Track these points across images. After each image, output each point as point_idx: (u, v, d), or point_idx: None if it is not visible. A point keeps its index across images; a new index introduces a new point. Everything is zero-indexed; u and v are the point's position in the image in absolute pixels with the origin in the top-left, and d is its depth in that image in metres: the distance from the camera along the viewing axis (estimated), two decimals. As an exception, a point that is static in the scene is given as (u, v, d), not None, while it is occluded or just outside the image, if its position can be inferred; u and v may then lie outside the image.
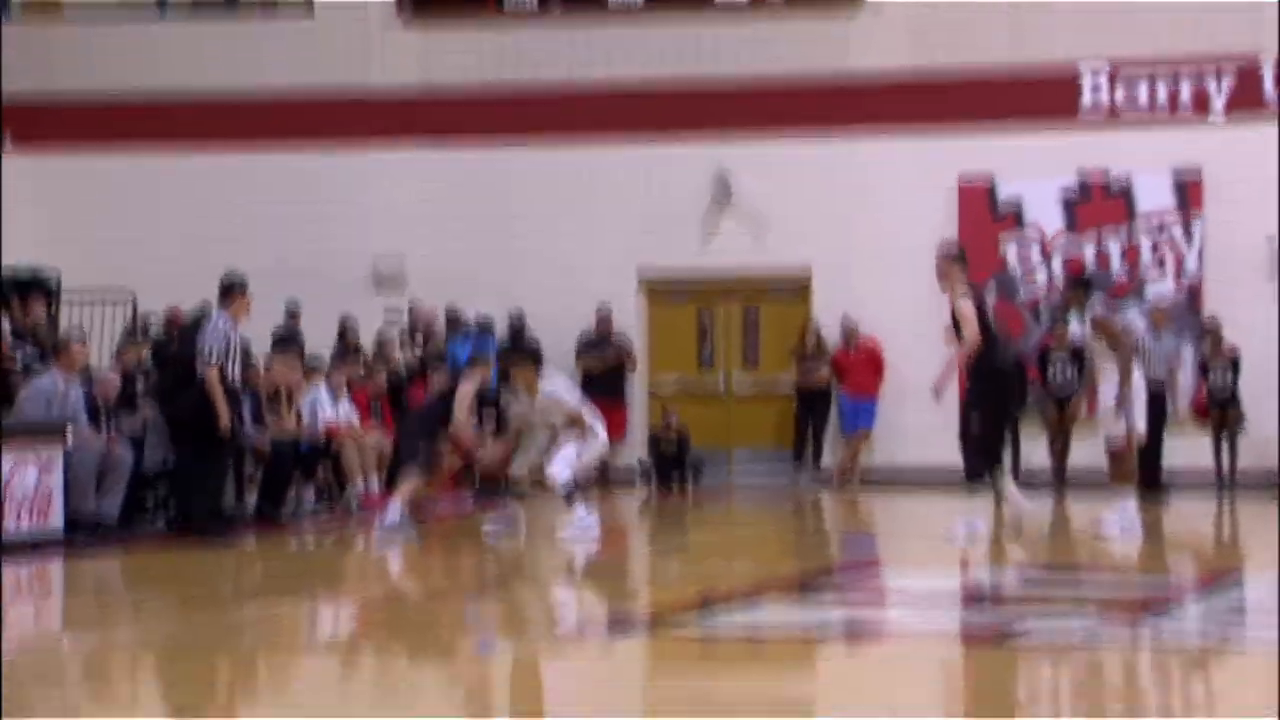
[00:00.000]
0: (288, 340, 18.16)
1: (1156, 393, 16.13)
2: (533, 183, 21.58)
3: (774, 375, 21.56)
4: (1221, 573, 12.35)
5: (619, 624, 9.73)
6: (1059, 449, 19.66)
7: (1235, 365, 19.73)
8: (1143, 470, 15.52)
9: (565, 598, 11.49)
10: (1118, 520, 13.83)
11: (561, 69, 21.60)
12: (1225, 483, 19.63)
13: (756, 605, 10.18)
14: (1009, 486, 13.75)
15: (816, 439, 21.07)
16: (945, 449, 19.79)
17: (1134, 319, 15.59)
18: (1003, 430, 14.00)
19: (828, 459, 20.88)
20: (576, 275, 21.37)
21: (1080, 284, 15.25)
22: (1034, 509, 14.16)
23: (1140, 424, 14.04)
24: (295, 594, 11.36)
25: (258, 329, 16.36)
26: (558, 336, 21.39)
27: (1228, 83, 20.55)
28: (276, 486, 15.76)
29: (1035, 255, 21.06)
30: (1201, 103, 20.66)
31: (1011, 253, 21.10)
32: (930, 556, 13.31)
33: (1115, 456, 14.05)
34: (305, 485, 16.48)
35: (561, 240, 21.48)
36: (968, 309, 13.29)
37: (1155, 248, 20.77)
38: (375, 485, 16.74)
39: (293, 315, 20.06)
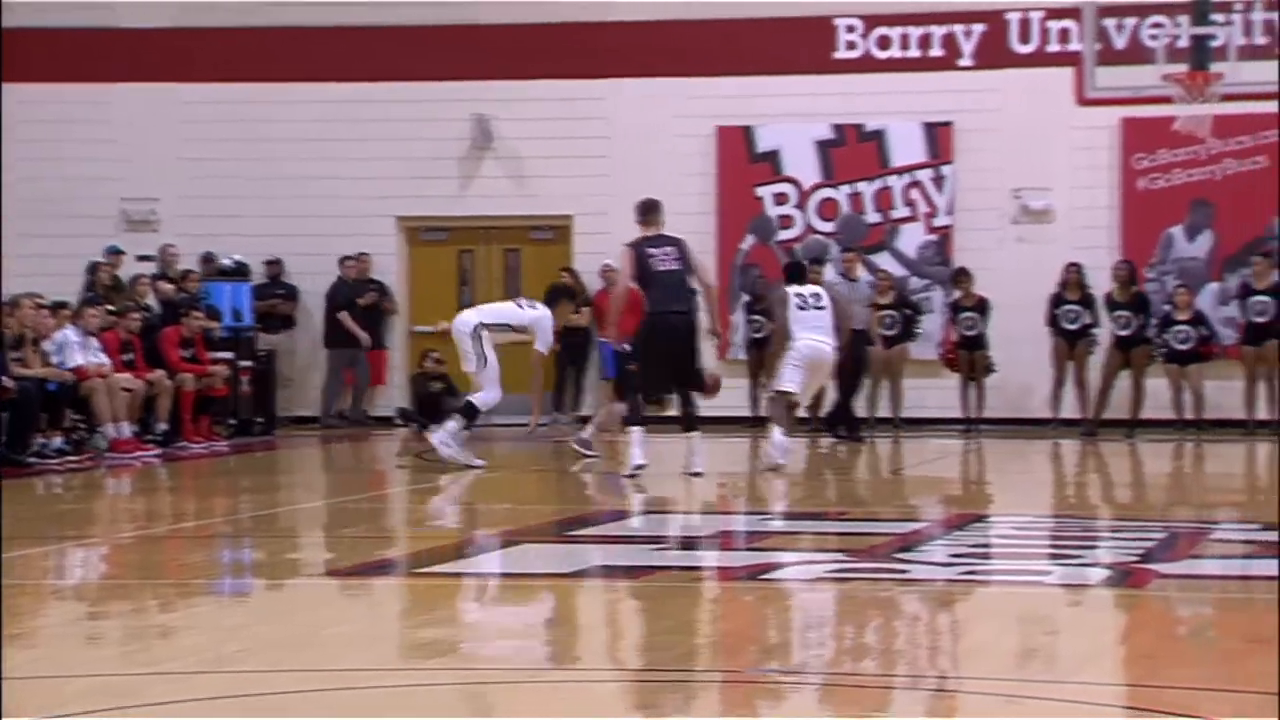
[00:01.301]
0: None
1: (852, 340, 17.01)
2: (290, 124, 21.31)
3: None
4: (966, 513, 12.68)
5: (371, 566, 9.72)
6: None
7: (983, 310, 20.17)
8: (838, 415, 18.15)
9: (316, 540, 11.43)
10: (775, 451, 14.73)
11: (317, 10, 21.33)
12: (973, 426, 20.09)
13: (513, 547, 10.23)
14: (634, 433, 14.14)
15: (577, 383, 21.17)
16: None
17: (831, 279, 17.53)
18: (652, 375, 14.36)
19: (590, 404, 20.97)
20: (335, 218, 21.18)
21: (793, 269, 16.29)
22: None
23: (794, 380, 15.24)
24: (39, 539, 11.15)
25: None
26: (315, 280, 21.21)
27: (976, 36, 20.99)
28: (21, 429, 15.42)
29: (792, 201, 21.33)
30: (952, 54, 21.06)
31: (769, 199, 21.34)
32: (683, 496, 13.48)
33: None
34: (52, 428, 16.14)
35: (320, 183, 21.25)
36: (625, 260, 14.26)
37: (907, 196, 21.15)
38: (125, 430, 16.48)
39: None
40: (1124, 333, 19.47)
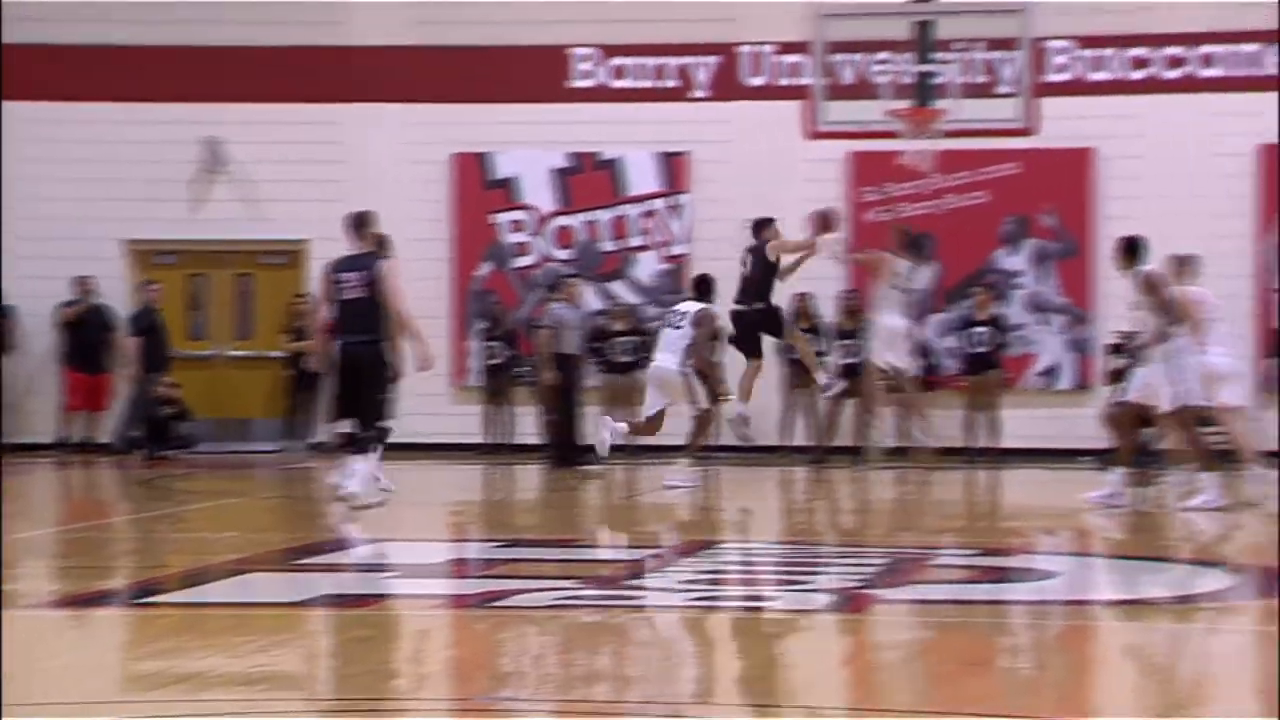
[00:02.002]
0: None
1: (565, 366, 17.74)
2: (20, 144, 20.83)
3: (268, 344, 21.35)
4: (698, 540, 12.83)
5: (97, 596, 9.53)
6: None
7: (717, 339, 20.39)
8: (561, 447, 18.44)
9: (36, 571, 11.17)
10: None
11: (47, 27, 20.88)
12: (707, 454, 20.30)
13: (242, 576, 10.11)
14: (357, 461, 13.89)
15: (310, 410, 20.96)
16: (448, 420, 20.17)
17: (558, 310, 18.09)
18: (332, 405, 14.47)
19: (322, 430, 20.78)
20: (60, 241, 20.74)
21: (555, 282, 16.74)
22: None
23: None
24: None
25: None
26: (38, 304, 20.74)
27: (709, 68, 21.29)
28: None
29: (529, 229, 21.40)
30: (686, 86, 21.34)
31: (505, 226, 21.39)
32: (422, 525, 13.43)
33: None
34: None
35: (45, 204, 20.80)
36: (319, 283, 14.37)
37: (643, 224, 21.35)
38: None
39: None
40: (850, 361, 19.87)
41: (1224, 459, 15.69)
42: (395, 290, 13.74)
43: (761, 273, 16.59)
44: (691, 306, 16.57)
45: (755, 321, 16.54)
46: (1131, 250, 14.47)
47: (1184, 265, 14.89)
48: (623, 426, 15.59)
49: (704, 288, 16.98)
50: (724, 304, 19.96)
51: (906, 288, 18.29)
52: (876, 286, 18.44)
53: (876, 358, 18.51)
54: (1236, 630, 8.86)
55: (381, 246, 14.19)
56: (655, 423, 16.44)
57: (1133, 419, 14.51)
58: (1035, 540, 13.10)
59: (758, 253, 16.68)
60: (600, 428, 15.79)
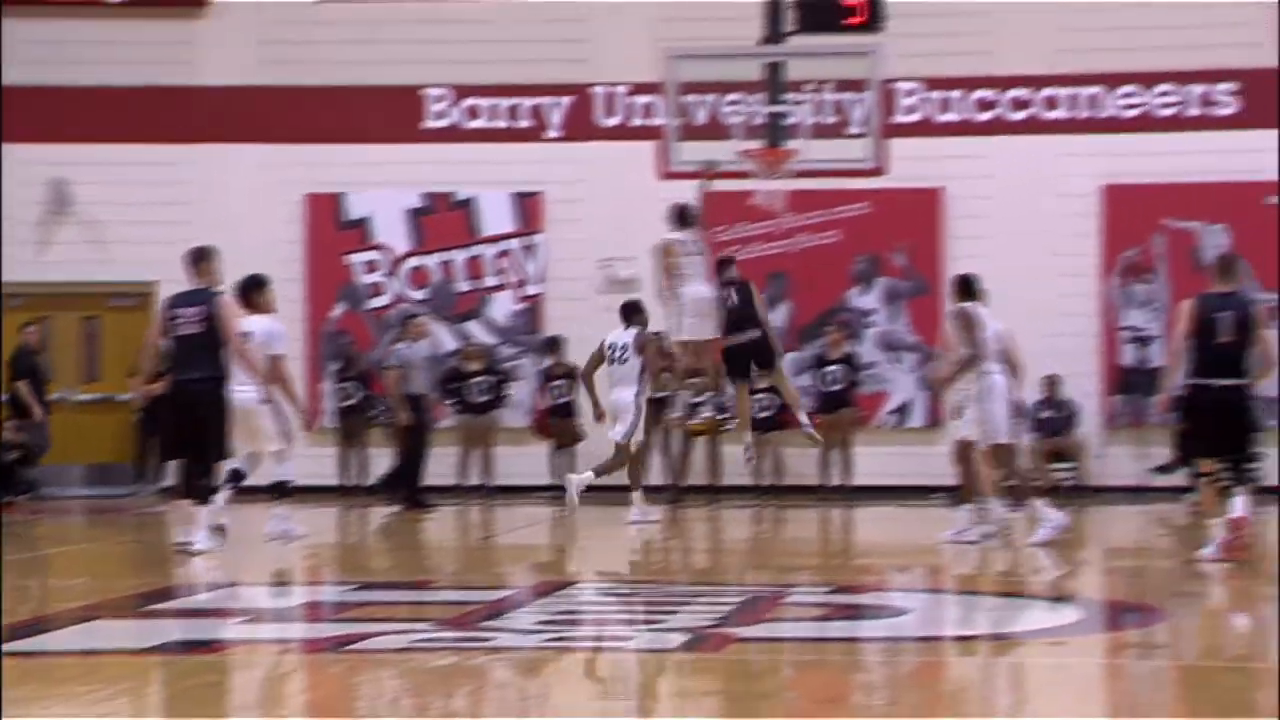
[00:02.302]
0: None
1: (413, 407, 17.89)
2: None
3: (117, 387, 21.07)
4: (554, 580, 12.80)
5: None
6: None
7: (574, 379, 20.42)
8: (406, 488, 18.40)
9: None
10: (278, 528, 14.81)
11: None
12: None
13: (89, 623, 9.94)
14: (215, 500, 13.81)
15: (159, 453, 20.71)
16: (302, 463, 19.86)
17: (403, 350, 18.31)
18: (164, 444, 14.63)
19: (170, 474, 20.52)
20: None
21: (402, 322, 16.91)
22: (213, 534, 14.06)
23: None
24: None
25: None
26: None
27: (563, 108, 21.35)
28: None
29: (383, 269, 21.30)
30: (540, 126, 21.37)
31: (359, 266, 21.27)
32: (274, 568, 13.30)
33: None
34: None
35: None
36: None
37: (498, 265, 21.33)
38: None
39: None
40: (698, 400, 19.95)
41: (1059, 493, 15.93)
42: (231, 325, 13.54)
43: (746, 302, 16.47)
44: (625, 335, 16.57)
45: (747, 351, 16.43)
46: (966, 288, 14.65)
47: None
48: (587, 476, 15.71)
49: (632, 312, 16.96)
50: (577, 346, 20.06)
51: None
52: None
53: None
54: (1088, 662, 8.96)
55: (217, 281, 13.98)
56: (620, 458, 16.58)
57: (1008, 453, 14.65)
58: (889, 577, 13.19)
59: (739, 284, 16.54)
60: (566, 485, 15.83)
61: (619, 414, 16.46)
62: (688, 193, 20.68)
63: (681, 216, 16.73)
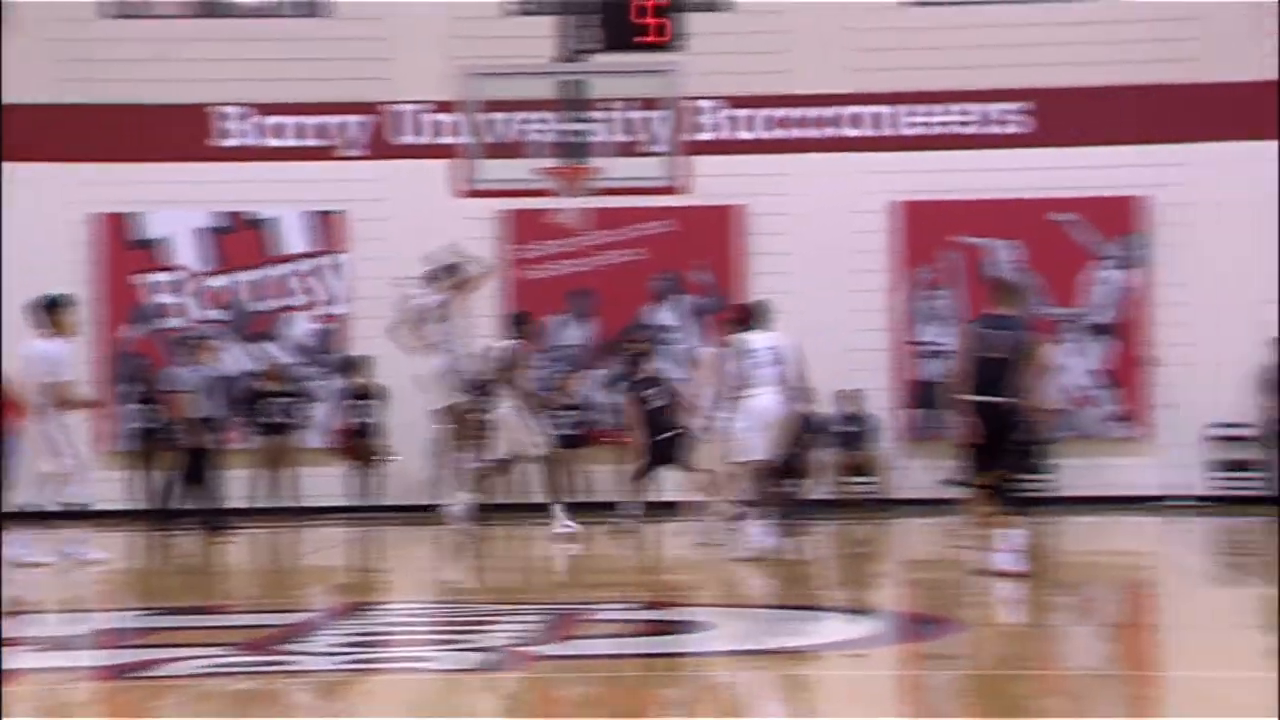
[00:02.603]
0: None
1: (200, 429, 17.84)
2: None
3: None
4: (355, 601, 12.68)
5: None
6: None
7: (374, 398, 20.28)
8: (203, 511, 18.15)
9: None
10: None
11: None
12: (366, 514, 20.13)
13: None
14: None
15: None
16: (96, 486, 19.56)
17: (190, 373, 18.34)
18: None
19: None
20: None
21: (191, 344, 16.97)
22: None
23: None
24: None
25: None
26: None
27: (362, 127, 21.20)
28: None
29: (178, 289, 20.99)
30: (339, 144, 21.20)
31: (151, 286, 20.94)
32: (66, 595, 13.02)
33: None
34: None
35: None
36: None
37: (298, 284, 21.11)
38: None
39: None
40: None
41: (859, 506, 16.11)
42: None
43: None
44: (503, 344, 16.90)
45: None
46: (744, 316, 14.99)
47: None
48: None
49: (518, 323, 17.01)
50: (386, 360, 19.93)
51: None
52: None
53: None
54: (885, 673, 9.07)
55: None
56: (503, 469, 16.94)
57: (764, 471, 14.80)
58: (691, 593, 13.23)
59: None
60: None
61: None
62: (488, 210, 20.75)
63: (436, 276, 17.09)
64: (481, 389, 20.00)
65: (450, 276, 17.14)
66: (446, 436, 20.08)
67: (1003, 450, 12.96)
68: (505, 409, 17.06)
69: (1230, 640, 10.13)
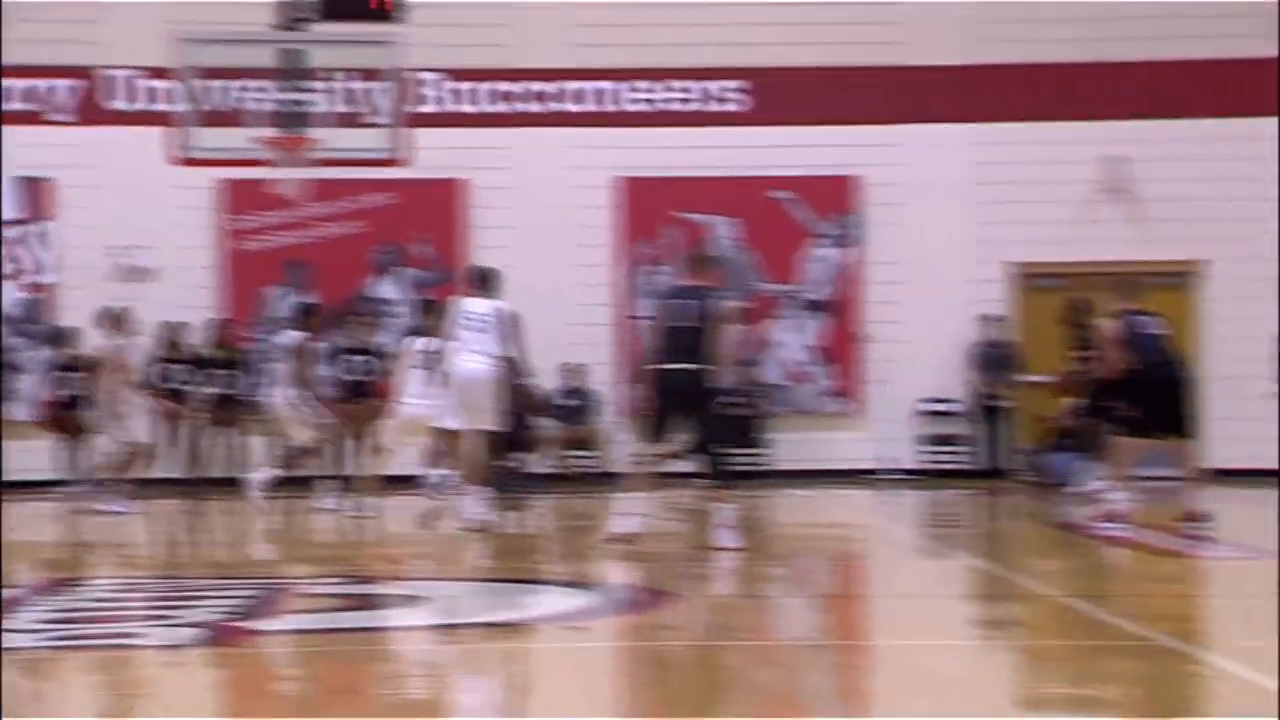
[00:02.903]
0: None
1: None
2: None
3: None
4: (61, 577, 12.40)
5: None
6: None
7: (83, 370, 19.79)
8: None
9: None
10: None
11: None
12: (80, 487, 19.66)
13: None
14: None
15: None
16: None
17: None
18: None
19: None
20: None
21: None
22: None
23: None
24: None
25: None
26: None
27: (74, 91, 20.69)
28: None
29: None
30: (50, 109, 20.66)
31: None
32: None
33: None
34: None
35: None
36: None
37: (4, 252, 20.53)
38: None
39: None
40: (224, 391, 19.63)
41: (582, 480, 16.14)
42: None
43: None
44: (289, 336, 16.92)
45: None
46: (483, 279, 14.92)
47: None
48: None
49: (305, 314, 17.24)
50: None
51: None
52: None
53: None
54: (602, 645, 9.14)
55: None
56: (310, 454, 16.85)
57: (480, 442, 14.79)
58: (407, 567, 13.18)
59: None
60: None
61: None
62: (204, 179, 20.39)
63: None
64: (198, 367, 19.68)
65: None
66: (165, 410, 19.76)
67: (694, 421, 13.00)
68: (282, 397, 16.80)
69: (934, 610, 10.41)
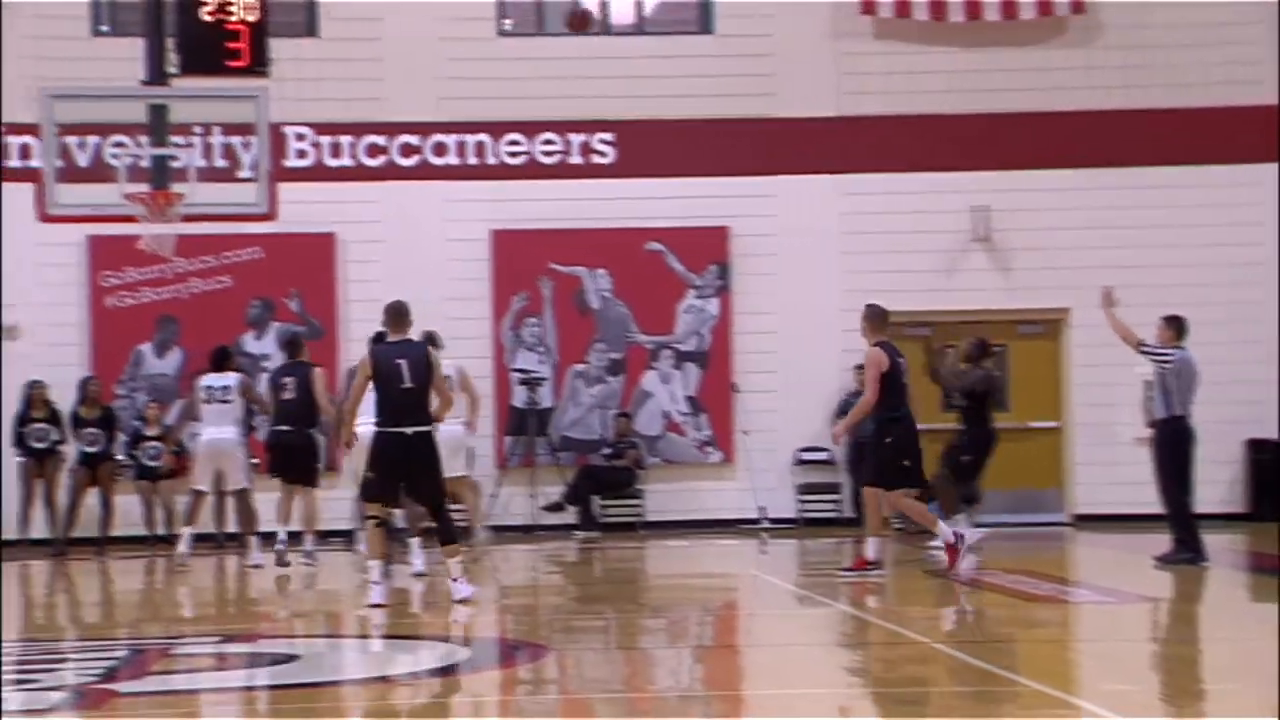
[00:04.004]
0: None
1: None
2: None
3: None
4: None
5: None
6: None
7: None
8: None
9: None
10: None
11: None
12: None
13: None
14: None
15: None
16: None
17: None
18: None
19: None
20: None
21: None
22: None
23: None
24: None
25: None
26: None
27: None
28: None
29: None
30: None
31: None
32: None
33: None
34: None
35: None
36: None
37: None
38: None
39: None
40: (91, 449, 19.40)
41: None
42: None
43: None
44: (226, 379, 16.93)
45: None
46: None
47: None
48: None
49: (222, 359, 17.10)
50: None
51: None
52: None
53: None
54: (475, 699, 9.09)
55: None
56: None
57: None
58: (283, 625, 13.06)
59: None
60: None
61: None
62: (73, 236, 20.15)
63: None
64: (71, 426, 19.41)
65: None
66: (28, 469, 19.47)
67: (418, 480, 12.82)
68: (211, 439, 16.78)
69: (808, 658, 10.44)
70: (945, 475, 16.99)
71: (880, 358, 14.59)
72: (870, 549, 14.59)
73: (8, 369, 19.92)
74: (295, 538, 16.47)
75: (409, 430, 12.70)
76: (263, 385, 18.29)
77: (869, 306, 15.05)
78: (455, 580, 12.86)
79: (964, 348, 17.57)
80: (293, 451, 16.60)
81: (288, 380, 16.73)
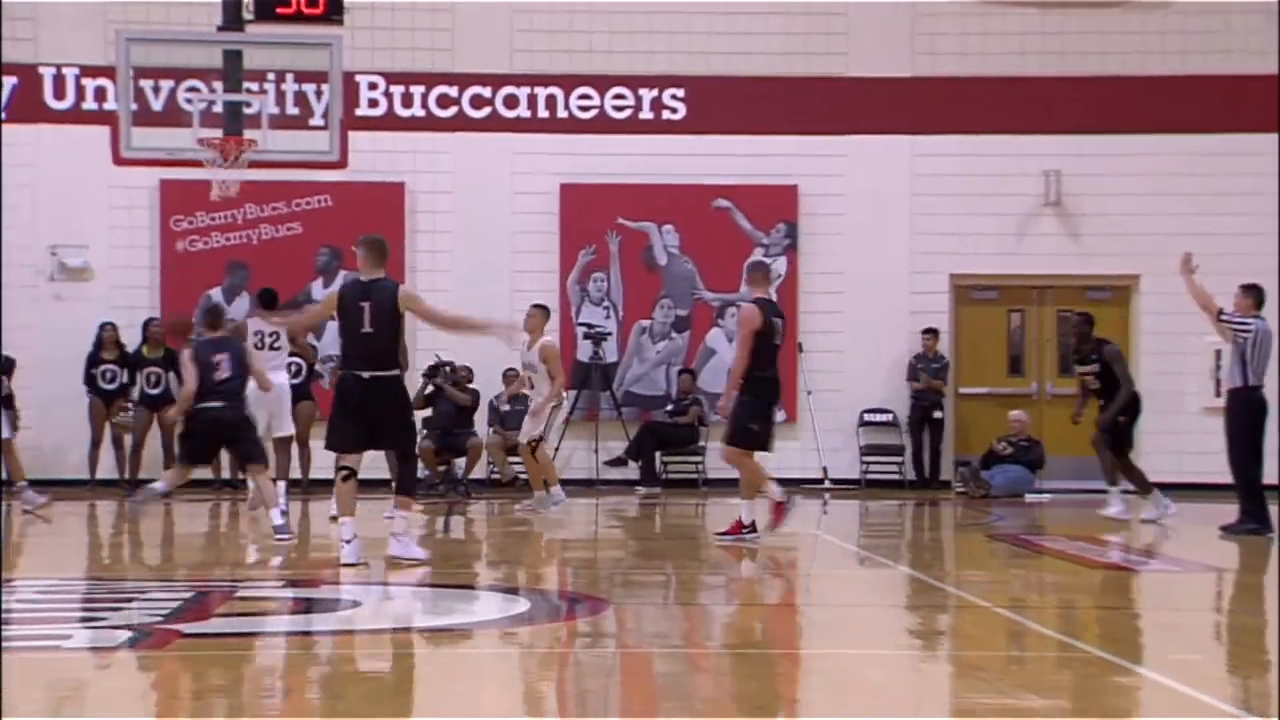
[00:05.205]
0: None
1: None
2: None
3: None
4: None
5: None
6: None
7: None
8: None
9: None
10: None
11: None
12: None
13: None
14: None
15: None
16: None
17: None
18: None
19: None
20: None
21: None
22: None
23: None
24: None
25: None
26: None
27: (10, 91, 20.55)
28: None
29: None
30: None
31: None
32: None
33: None
34: None
35: None
36: None
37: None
38: None
39: None
40: (154, 390, 19.54)
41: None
42: None
43: None
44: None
45: None
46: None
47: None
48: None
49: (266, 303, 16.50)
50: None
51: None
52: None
53: None
54: (536, 651, 9.13)
55: None
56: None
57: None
58: (341, 571, 13.12)
59: None
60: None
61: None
62: (146, 179, 20.27)
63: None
64: (136, 367, 19.55)
65: None
66: (95, 409, 19.62)
67: (381, 427, 12.31)
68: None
69: (867, 618, 10.43)
70: (1108, 453, 16.49)
71: (753, 315, 13.92)
72: (744, 511, 14.21)
73: (80, 310, 20.07)
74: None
75: (366, 374, 12.14)
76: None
77: (751, 260, 14.57)
78: (396, 536, 12.45)
79: (1076, 324, 17.02)
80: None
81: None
